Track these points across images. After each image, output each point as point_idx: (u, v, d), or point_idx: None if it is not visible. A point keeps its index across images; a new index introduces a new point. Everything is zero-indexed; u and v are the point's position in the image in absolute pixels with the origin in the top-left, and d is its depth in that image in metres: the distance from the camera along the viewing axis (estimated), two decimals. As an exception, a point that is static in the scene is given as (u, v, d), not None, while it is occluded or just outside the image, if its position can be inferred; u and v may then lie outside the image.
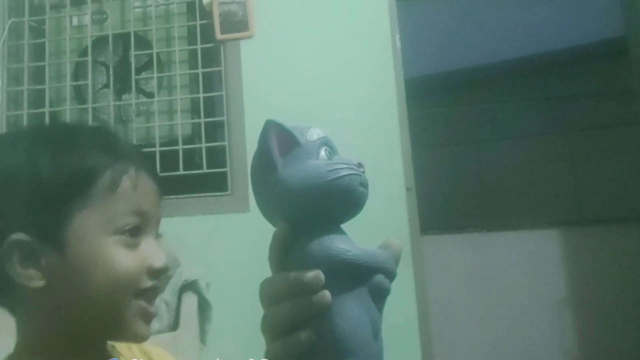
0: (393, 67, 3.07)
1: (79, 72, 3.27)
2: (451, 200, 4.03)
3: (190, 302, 2.52)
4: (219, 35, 3.16)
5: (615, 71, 3.69)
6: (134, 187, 0.82)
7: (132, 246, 0.80)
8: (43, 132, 0.90)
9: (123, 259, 0.79)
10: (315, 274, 0.52)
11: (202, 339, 2.58)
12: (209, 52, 3.25)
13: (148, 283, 0.81)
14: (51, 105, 3.23)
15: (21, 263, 0.77)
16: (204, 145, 3.09)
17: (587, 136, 4.09)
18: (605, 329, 3.27)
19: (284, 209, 0.57)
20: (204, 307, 2.59)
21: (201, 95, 3.16)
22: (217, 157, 3.11)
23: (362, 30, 3.14)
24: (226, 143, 3.08)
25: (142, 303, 0.81)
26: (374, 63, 3.11)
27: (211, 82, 3.27)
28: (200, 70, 3.19)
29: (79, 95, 3.26)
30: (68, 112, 3.19)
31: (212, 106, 3.23)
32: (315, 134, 0.59)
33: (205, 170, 3.06)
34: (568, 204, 4.09)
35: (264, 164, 0.57)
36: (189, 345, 2.44)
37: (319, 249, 0.54)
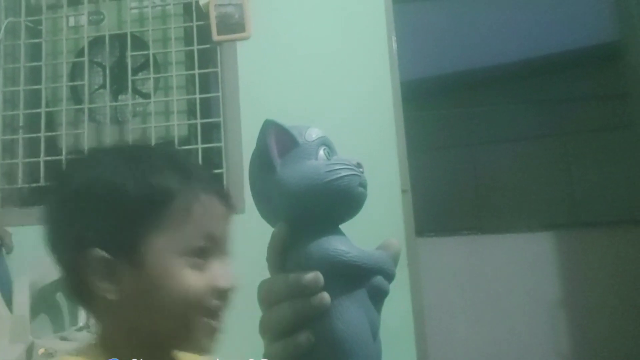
0: (389, 70, 3.07)
1: (75, 72, 3.26)
2: (446, 203, 4.03)
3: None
4: (215, 37, 3.15)
5: (610, 75, 3.69)
6: (204, 211, 0.85)
7: (201, 267, 0.83)
8: (126, 151, 0.93)
9: (192, 279, 0.82)
10: (314, 276, 0.52)
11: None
12: (206, 53, 3.24)
13: (214, 302, 0.84)
14: (47, 106, 3.22)
15: (99, 276, 0.82)
16: (200, 146, 3.08)
17: (582, 139, 4.09)
18: (599, 331, 3.27)
19: (283, 210, 0.56)
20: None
21: (197, 96, 3.16)
22: (213, 158, 3.09)
23: (358, 32, 3.14)
24: (222, 144, 3.07)
25: (209, 320, 0.84)
26: (370, 65, 3.10)
27: (207, 83, 3.26)
28: (196, 72, 3.18)
29: (75, 95, 3.25)
30: (64, 113, 3.17)
31: (208, 107, 3.22)
32: (314, 133, 0.58)
33: (201, 171, 3.03)
34: (562, 206, 4.09)
35: (263, 164, 0.56)
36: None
37: (318, 250, 0.54)
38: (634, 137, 3.30)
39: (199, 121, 3.12)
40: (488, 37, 4.29)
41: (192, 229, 0.84)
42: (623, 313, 3.23)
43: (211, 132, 3.19)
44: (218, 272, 0.84)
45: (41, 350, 2.31)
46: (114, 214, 0.82)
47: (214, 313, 0.84)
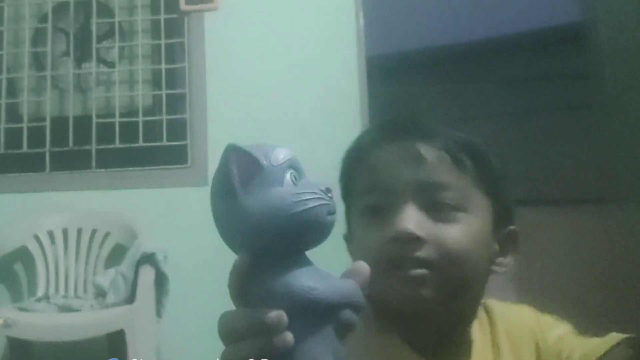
0: (356, 44, 3.03)
1: (38, 38, 3.16)
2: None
3: (147, 275, 2.47)
4: (183, 6, 3.07)
5: (573, 55, 3.69)
6: (372, 166, 0.82)
7: (377, 224, 0.79)
8: None
9: (367, 236, 0.80)
10: (277, 315, 0.48)
11: (159, 312, 2.53)
12: (172, 23, 3.15)
13: (389, 253, 0.77)
14: (8, 72, 3.12)
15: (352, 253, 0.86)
16: (164, 117, 3.01)
17: (545, 118, 4.11)
18: (552, 310, 3.31)
19: (245, 240, 0.51)
20: (161, 280, 2.54)
21: (163, 66, 3.08)
22: (177, 129, 3.03)
23: (326, 6, 3.09)
24: (187, 116, 3.01)
25: (392, 271, 0.78)
26: (337, 39, 3.06)
27: (173, 53, 3.17)
28: (163, 41, 3.10)
29: (38, 62, 3.14)
30: (26, 79, 3.07)
31: (173, 78, 3.14)
32: (280, 156, 0.52)
33: (165, 142, 2.99)
34: (524, 184, 4.11)
35: (225, 191, 0.51)
36: (145, 319, 2.40)
37: (283, 286, 0.50)
38: (595, 117, 3.32)
39: (164, 92, 3.05)
40: (455, 14, 4.27)
41: (361, 187, 0.83)
42: (579, 291, 3.26)
43: (176, 103, 3.11)
44: (391, 223, 0.78)
45: (0, 321, 2.26)
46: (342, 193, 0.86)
47: (394, 263, 0.77)
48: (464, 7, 4.25)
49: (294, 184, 0.52)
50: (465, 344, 0.85)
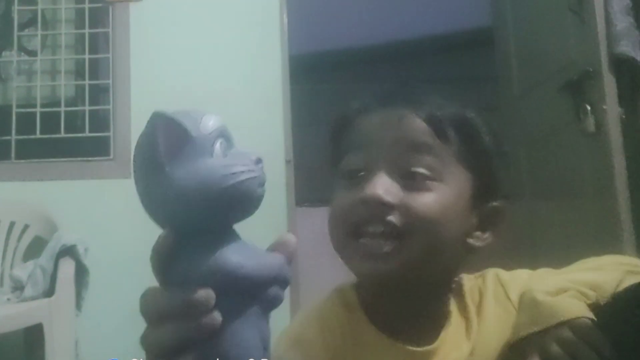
0: (279, 42, 3.02)
1: (-45, 25, 3.00)
2: (328, 174, 4.06)
3: (67, 267, 2.39)
4: (108, -4, 2.98)
5: (482, 59, 3.80)
6: (352, 133, 0.83)
7: (351, 187, 0.80)
8: None
9: (339, 199, 0.81)
10: (205, 294, 0.44)
11: (78, 306, 2.47)
12: (97, 13, 3.05)
13: (354, 217, 0.78)
14: None
15: None
16: (87, 108, 2.92)
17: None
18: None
19: (172, 215, 0.47)
20: (81, 273, 2.47)
21: (87, 56, 2.99)
22: (100, 121, 2.95)
23: (251, 3, 3.06)
24: (110, 107, 2.92)
25: (354, 239, 0.78)
26: (261, 37, 3.04)
27: (97, 43, 3.07)
28: (87, 31, 3.00)
29: (-45, 50, 3.00)
30: (-58, 67, 2.93)
31: (96, 69, 3.05)
32: (210, 123, 0.48)
33: (87, 134, 2.90)
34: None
35: (150, 162, 0.46)
36: (64, 312, 2.32)
37: (209, 264, 0.46)
38: (501, 119, 3.43)
39: (87, 82, 2.96)
40: (374, 16, 4.32)
41: (341, 153, 0.83)
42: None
43: (98, 94, 3.03)
44: (363, 187, 0.77)
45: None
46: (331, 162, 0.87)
47: (356, 232, 0.77)
48: (383, 9, 4.31)
49: (224, 154, 0.48)
50: (439, 319, 0.85)
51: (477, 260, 0.92)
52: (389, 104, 0.81)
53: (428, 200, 0.76)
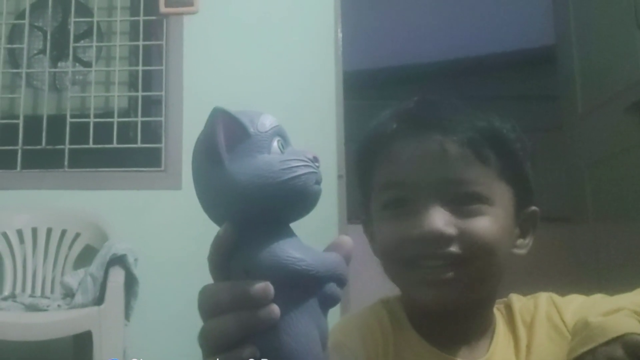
0: (333, 58, 3.08)
1: (14, 35, 3.15)
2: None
3: (117, 276, 2.47)
4: (162, 9, 3.09)
5: (544, 77, 3.79)
6: (389, 160, 0.84)
7: (396, 218, 0.82)
8: None
9: (386, 232, 0.83)
10: (264, 286, 0.46)
11: (127, 315, 2.54)
12: (151, 25, 3.17)
13: (407, 252, 0.80)
14: (-16, 68, 3.11)
15: (368, 236, 0.90)
16: (139, 119, 3.03)
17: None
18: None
19: (231, 209, 0.49)
20: (130, 282, 2.54)
21: (140, 68, 3.10)
22: (152, 132, 3.05)
23: (306, 18, 3.14)
24: (162, 119, 3.02)
25: (411, 271, 0.81)
26: (315, 52, 3.10)
27: (150, 55, 3.19)
28: (141, 43, 3.12)
29: (13, 59, 3.14)
30: (1, 76, 3.07)
31: (150, 80, 3.16)
32: (267, 122, 0.50)
33: (139, 144, 3.00)
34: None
35: (209, 156, 0.49)
36: (113, 320, 2.39)
37: (269, 257, 0.48)
38: (563, 139, 3.42)
39: (140, 93, 3.07)
40: (430, 33, 4.36)
41: (380, 181, 0.85)
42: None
43: (150, 106, 3.13)
44: (413, 221, 0.79)
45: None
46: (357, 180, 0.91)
47: (412, 263, 0.80)
48: (440, 27, 4.35)
49: (281, 151, 0.50)
50: (487, 332, 0.88)
51: (538, 283, 0.94)
52: (425, 129, 0.81)
53: (484, 225, 0.79)
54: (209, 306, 0.49)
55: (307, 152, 0.51)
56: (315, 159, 0.51)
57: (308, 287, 0.49)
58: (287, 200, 0.49)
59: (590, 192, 3.04)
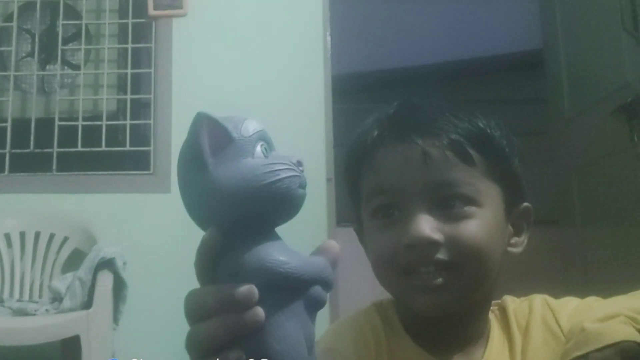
0: (322, 62, 3.09)
1: (2, 38, 3.13)
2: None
3: (105, 280, 2.46)
4: (151, 11, 3.08)
5: (531, 81, 3.82)
6: (377, 166, 0.83)
7: (388, 226, 0.81)
8: None
9: (379, 240, 0.82)
10: (248, 289, 0.47)
11: (116, 319, 2.53)
12: (140, 28, 3.17)
13: (402, 260, 0.79)
14: (-30, 70, 3.09)
15: (362, 243, 0.89)
16: (128, 122, 3.02)
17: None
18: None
19: (215, 214, 0.50)
20: (119, 286, 2.54)
21: (129, 71, 3.09)
22: (141, 135, 3.04)
23: (294, 21, 3.14)
24: (151, 122, 3.02)
25: (405, 278, 0.80)
26: (304, 55, 3.11)
27: (139, 58, 3.18)
28: (129, 46, 3.11)
29: (1, 62, 3.12)
30: (-12, 79, 3.06)
31: (138, 83, 3.15)
32: (251, 127, 0.51)
33: (128, 148, 3.00)
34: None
35: (193, 161, 0.50)
36: (101, 325, 2.38)
37: (254, 261, 0.49)
38: (551, 142, 3.44)
39: (129, 96, 3.06)
40: (418, 37, 4.39)
41: (366, 190, 0.84)
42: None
43: (139, 109, 3.13)
44: (401, 228, 0.78)
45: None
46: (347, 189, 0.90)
47: (408, 270, 0.79)
48: (428, 31, 4.38)
49: (265, 155, 0.51)
50: (481, 337, 0.87)
51: (527, 286, 0.94)
52: (405, 134, 0.81)
53: (472, 228, 0.78)
54: (195, 311, 0.49)
55: (291, 157, 0.51)
56: (299, 163, 0.51)
57: (293, 290, 0.50)
58: (271, 203, 0.50)
59: (578, 195, 3.06)
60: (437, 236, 0.77)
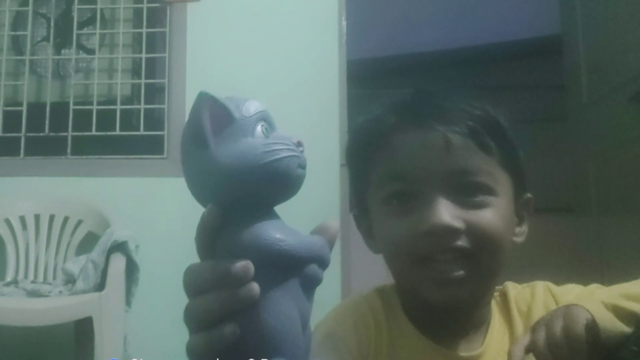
0: (337, 47, 3.07)
1: (18, 22, 3.14)
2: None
3: (118, 263, 2.47)
4: (166, -4, 3.09)
5: (549, 67, 3.78)
6: (392, 152, 0.83)
7: (403, 213, 0.81)
8: None
9: (392, 227, 0.82)
10: (244, 265, 0.48)
11: (128, 302, 2.55)
12: (155, 12, 3.17)
13: (419, 248, 0.79)
14: (-14, 54, 3.11)
15: (363, 234, 0.90)
16: (142, 106, 3.03)
17: (519, 128, 4.20)
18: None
19: (215, 191, 0.51)
20: (131, 269, 2.56)
21: (143, 55, 3.10)
22: (155, 120, 3.05)
23: (310, 5, 3.12)
24: (165, 106, 3.02)
25: (421, 267, 0.80)
26: (319, 41, 3.09)
27: (154, 43, 3.19)
28: (144, 30, 3.11)
29: (17, 46, 3.14)
30: (4, 63, 3.07)
31: (153, 68, 3.16)
32: (252, 107, 0.52)
33: (142, 132, 3.00)
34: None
35: (195, 140, 0.51)
36: (113, 307, 2.39)
37: (251, 238, 0.50)
38: (568, 129, 3.41)
39: (143, 81, 3.07)
40: (435, 22, 4.36)
41: (381, 176, 0.83)
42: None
43: (154, 93, 3.13)
44: (420, 215, 0.78)
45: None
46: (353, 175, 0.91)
47: (425, 259, 0.79)
48: (445, 16, 4.35)
49: (265, 135, 0.52)
50: (482, 324, 0.88)
51: (541, 274, 0.94)
52: (425, 121, 0.81)
53: (489, 216, 0.79)
54: (193, 285, 0.50)
55: (291, 137, 0.52)
56: (299, 144, 0.52)
57: (289, 267, 0.50)
58: (270, 182, 0.51)
59: (594, 182, 3.03)
60: (458, 224, 0.77)
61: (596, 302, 0.75)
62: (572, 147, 3.34)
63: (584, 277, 0.96)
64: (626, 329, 0.73)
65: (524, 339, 0.75)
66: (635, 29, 2.70)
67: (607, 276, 0.95)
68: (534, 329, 0.75)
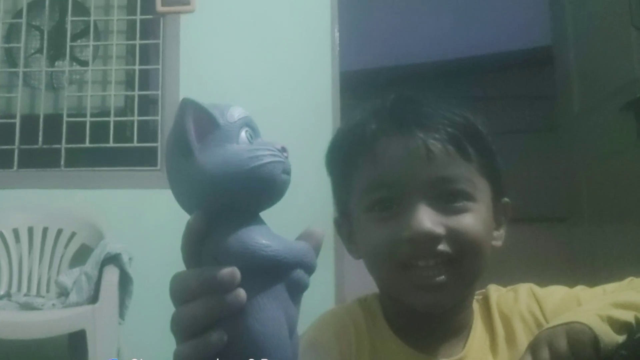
0: (330, 58, 3.08)
1: (11, 34, 3.15)
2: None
3: (111, 275, 2.46)
4: (159, 7, 3.08)
5: (540, 78, 3.80)
6: (375, 159, 0.82)
7: (385, 220, 0.81)
8: None
9: (374, 234, 0.82)
10: (230, 271, 0.47)
11: (121, 314, 2.53)
12: (148, 24, 3.17)
13: (401, 254, 0.79)
14: (-21, 66, 3.10)
15: (345, 239, 0.91)
16: (136, 118, 3.02)
17: (509, 139, 4.21)
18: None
19: (200, 198, 0.51)
20: (125, 281, 2.54)
21: (137, 67, 3.10)
22: (148, 131, 3.05)
23: (303, 18, 3.13)
24: (159, 118, 3.02)
25: (404, 273, 0.80)
26: (312, 51, 3.10)
27: (147, 54, 3.19)
28: (137, 42, 3.12)
29: (10, 58, 3.13)
30: (-3, 75, 3.07)
31: (146, 79, 3.16)
32: (236, 113, 0.52)
33: (135, 144, 3.00)
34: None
35: (180, 147, 0.51)
36: (107, 319, 2.38)
37: (236, 244, 0.50)
38: (560, 139, 3.42)
39: (136, 92, 3.06)
40: (427, 34, 4.37)
41: (363, 183, 0.83)
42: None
43: (147, 105, 3.14)
44: (401, 222, 0.78)
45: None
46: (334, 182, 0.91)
47: (406, 265, 0.79)
48: (436, 27, 4.36)
49: (250, 141, 0.52)
50: (463, 329, 0.88)
51: (534, 282, 0.94)
52: (406, 127, 0.81)
53: (470, 221, 0.79)
54: (179, 293, 0.50)
55: (275, 143, 0.52)
56: (283, 149, 0.52)
57: (275, 273, 0.50)
58: (254, 188, 0.51)
59: (586, 191, 3.04)
60: (439, 229, 0.77)
61: (592, 315, 0.75)
62: (564, 156, 3.35)
63: (576, 285, 0.97)
64: (620, 339, 0.74)
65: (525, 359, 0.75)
66: (625, 39, 2.71)
67: (600, 284, 0.96)
68: (534, 350, 0.75)
